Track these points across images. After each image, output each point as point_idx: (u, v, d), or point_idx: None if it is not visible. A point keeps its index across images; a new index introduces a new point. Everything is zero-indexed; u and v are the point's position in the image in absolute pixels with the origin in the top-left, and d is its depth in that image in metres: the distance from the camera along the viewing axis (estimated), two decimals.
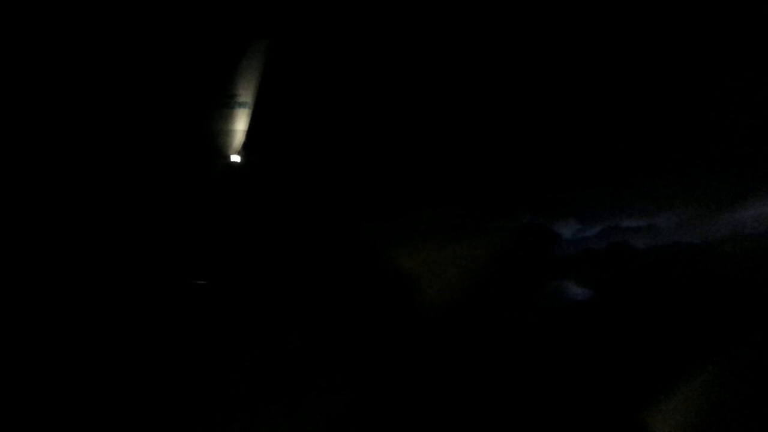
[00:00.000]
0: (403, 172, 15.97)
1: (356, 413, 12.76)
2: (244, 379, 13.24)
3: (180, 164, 15.17)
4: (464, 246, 15.60)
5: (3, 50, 14.57)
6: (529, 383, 13.63)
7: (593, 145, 16.67)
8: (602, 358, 14.00)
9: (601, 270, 16.45)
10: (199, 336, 13.83)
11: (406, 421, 12.88)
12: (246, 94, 15.20)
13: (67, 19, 14.87)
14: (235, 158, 15.36)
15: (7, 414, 11.90)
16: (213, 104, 15.33)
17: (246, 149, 15.32)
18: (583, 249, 17.53)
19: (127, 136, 15.15)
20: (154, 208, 14.91)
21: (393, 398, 13.12)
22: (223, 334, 13.94)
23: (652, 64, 16.05)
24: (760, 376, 12.32)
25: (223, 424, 12.61)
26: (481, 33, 16.01)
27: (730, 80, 15.53)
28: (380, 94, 15.83)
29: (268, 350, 13.79)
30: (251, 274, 14.92)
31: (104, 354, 13.27)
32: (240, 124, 15.27)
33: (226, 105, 15.28)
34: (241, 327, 14.11)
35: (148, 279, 14.42)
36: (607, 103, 16.32)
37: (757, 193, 15.90)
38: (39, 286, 13.73)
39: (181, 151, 15.23)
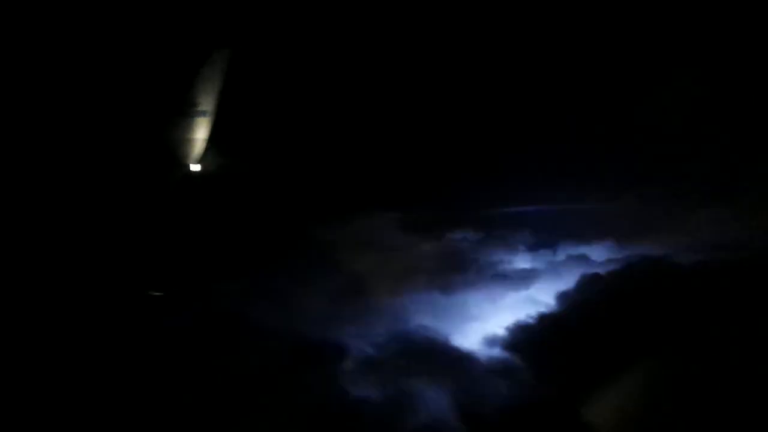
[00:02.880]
0: (363, 177, 16.35)
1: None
2: (203, 389, 13.25)
3: (139, 173, 15.31)
4: (420, 250, 16.00)
5: None
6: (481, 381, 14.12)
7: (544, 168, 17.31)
8: (549, 358, 14.63)
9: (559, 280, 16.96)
10: (157, 347, 13.84)
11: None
12: (206, 102, 15.44)
13: (30, 28, 15.10)
14: (195, 167, 15.56)
15: None
16: (173, 113, 15.54)
17: (206, 158, 15.57)
18: (545, 261, 18.09)
19: (86, 145, 15.25)
20: (112, 217, 14.96)
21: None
22: (179, 344, 13.96)
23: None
24: (687, 373, 13.32)
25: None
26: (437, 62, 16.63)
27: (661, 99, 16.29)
28: (340, 102, 16.29)
29: (226, 359, 13.84)
30: (211, 284, 15.06)
31: (56, 362, 13.24)
32: (200, 133, 15.50)
33: (186, 113, 15.49)
34: (198, 336, 14.14)
35: (105, 289, 14.39)
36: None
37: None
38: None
39: (141, 159, 15.38)
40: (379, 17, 16.19)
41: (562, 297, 16.82)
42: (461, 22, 16.46)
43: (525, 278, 17.59)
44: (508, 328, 15.90)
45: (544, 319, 16.21)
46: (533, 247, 18.53)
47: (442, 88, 16.85)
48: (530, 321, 16.14)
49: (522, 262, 18.24)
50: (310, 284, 15.39)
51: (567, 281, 17.20)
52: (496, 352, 15.36)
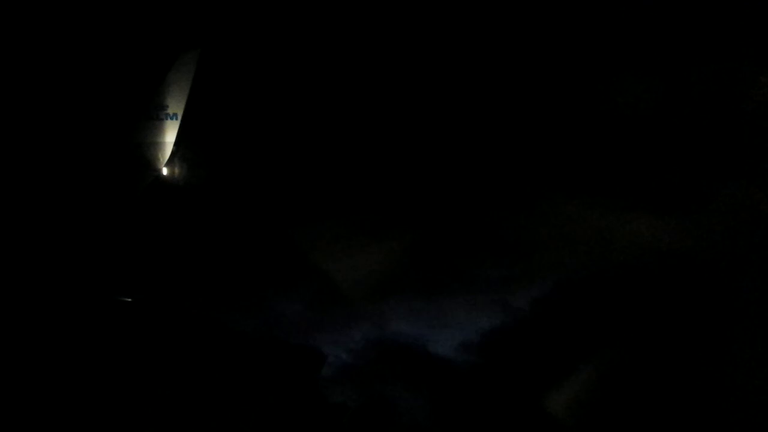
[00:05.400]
0: (327, 181, 16.47)
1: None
2: (171, 397, 13.21)
3: (107, 176, 15.23)
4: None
5: None
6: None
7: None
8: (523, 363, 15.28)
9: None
10: (124, 353, 13.74)
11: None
12: (175, 105, 15.43)
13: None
14: (163, 171, 15.53)
15: None
16: (142, 116, 15.51)
17: (174, 161, 15.53)
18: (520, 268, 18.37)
19: (54, 148, 15.14)
20: (80, 221, 14.83)
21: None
22: (147, 350, 13.89)
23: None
24: (633, 367, 14.70)
25: None
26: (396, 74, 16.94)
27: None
28: (307, 106, 16.43)
29: (197, 365, 13.81)
30: (179, 288, 14.99)
31: (24, 369, 13.10)
32: (169, 136, 15.47)
33: (155, 116, 15.46)
34: (168, 342, 14.09)
35: (73, 294, 14.25)
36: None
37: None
38: None
39: (109, 162, 15.31)
40: (352, 20, 16.43)
41: (537, 304, 17.15)
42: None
43: (501, 285, 17.78)
44: (483, 334, 16.17)
45: (519, 325, 16.55)
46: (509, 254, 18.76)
47: (416, 92, 17.06)
48: (505, 327, 16.44)
49: (498, 268, 18.43)
50: (287, 289, 15.42)
51: (542, 288, 17.49)
52: (472, 357, 15.62)
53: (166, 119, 15.44)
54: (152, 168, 15.49)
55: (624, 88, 16.73)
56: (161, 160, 15.52)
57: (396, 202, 16.82)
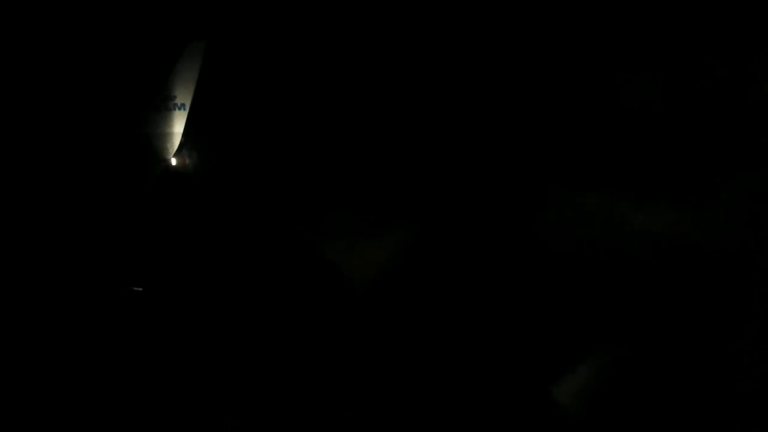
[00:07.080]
0: (335, 173, 16.50)
1: None
2: (183, 389, 13.54)
3: (115, 168, 15.43)
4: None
5: None
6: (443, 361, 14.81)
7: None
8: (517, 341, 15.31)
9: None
10: (134, 344, 14.07)
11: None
12: (183, 95, 15.52)
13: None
14: (172, 161, 15.67)
15: None
16: (149, 106, 15.63)
17: (183, 152, 15.66)
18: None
19: (61, 140, 15.37)
20: (89, 213, 15.10)
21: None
22: (159, 341, 14.20)
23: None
24: (646, 358, 14.41)
25: None
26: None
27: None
28: (316, 95, 16.39)
29: (205, 358, 14.10)
30: (188, 280, 15.22)
31: (34, 364, 13.47)
32: (177, 127, 15.59)
33: (162, 107, 15.57)
34: (177, 334, 14.38)
35: (83, 286, 14.57)
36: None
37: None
38: None
39: (117, 154, 15.50)
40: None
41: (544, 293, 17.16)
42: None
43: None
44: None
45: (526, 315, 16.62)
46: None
47: (432, 83, 16.94)
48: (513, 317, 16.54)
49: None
50: (293, 282, 15.56)
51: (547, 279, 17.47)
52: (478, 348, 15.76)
53: (174, 110, 15.55)
54: (161, 158, 15.65)
55: (631, 82, 16.48)
56: (170, 150, 15.67)
57: (402, 195, 16.84)
